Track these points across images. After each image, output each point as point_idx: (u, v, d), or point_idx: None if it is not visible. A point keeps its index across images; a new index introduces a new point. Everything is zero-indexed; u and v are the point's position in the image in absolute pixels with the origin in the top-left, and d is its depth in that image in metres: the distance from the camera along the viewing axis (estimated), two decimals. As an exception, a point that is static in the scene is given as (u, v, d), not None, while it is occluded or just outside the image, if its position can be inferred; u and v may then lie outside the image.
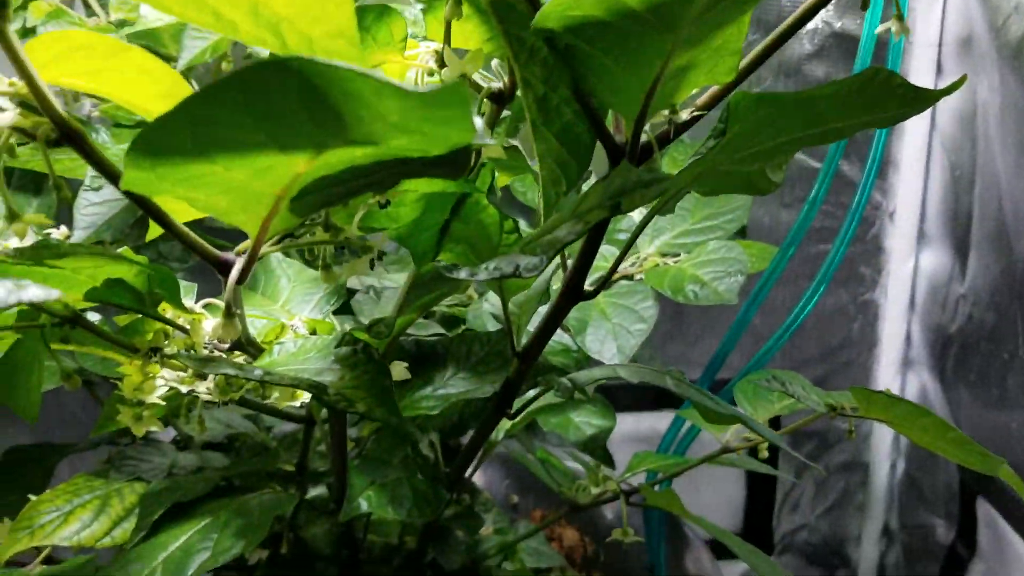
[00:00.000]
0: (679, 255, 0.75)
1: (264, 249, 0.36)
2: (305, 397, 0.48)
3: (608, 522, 0.98)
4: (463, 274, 0.35)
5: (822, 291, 0.88)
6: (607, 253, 0.81)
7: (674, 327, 1.18)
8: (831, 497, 1.24)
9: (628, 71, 0.36)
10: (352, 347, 0.36)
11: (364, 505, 0.47)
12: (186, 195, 0.29)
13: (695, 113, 0.41)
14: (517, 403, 0.69)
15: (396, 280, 0.66)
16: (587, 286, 0.48)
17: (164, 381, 0.46)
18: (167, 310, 0.43)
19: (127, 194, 0.32)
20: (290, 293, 0.62)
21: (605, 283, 0.48)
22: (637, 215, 0.85)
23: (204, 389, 0.47)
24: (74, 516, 0.60)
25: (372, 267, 0.40)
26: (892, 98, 0.37)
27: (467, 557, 0.72)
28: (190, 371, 0.45)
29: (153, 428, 0.48)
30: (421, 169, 0.31)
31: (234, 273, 0.38)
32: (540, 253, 0.34)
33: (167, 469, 0.64)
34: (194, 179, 0.27)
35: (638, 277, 0.78)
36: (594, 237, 0.44)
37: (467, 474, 0.68)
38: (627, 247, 0.49)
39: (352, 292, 0.63)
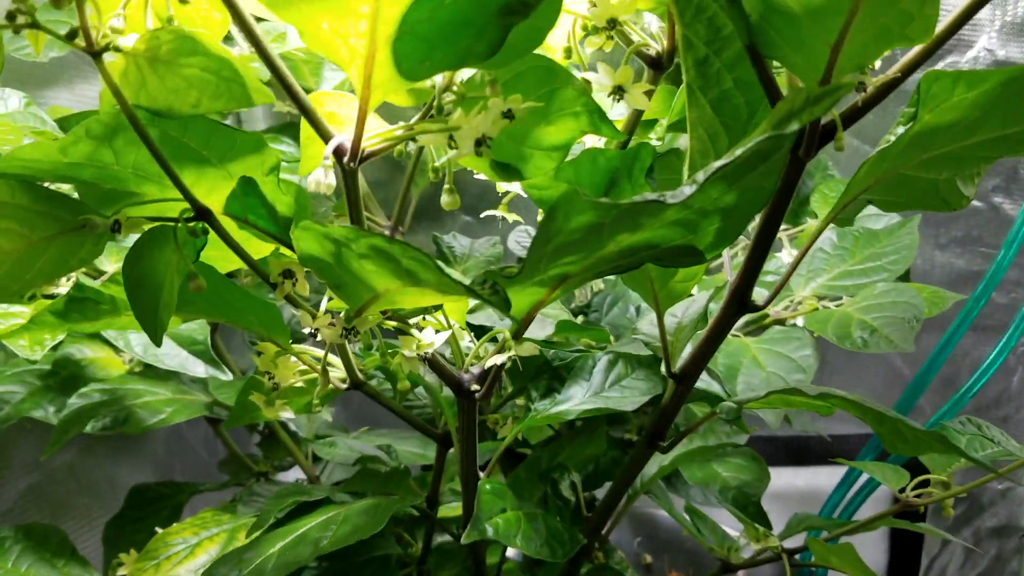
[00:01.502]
0: (840, 298, 0.69)
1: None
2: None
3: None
4: (644, 198, 0.30)
5: (1015, 340, 0.80)
6: (757, 296, 0.76)
7: (817, 376, 1.11)
8: (982, 564, 1.14)
9: (813, 20, 0.32)
10: (482, 284, 0.33)
11: (490, 530, 0.43)
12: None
13: (890, 77, 0.35)
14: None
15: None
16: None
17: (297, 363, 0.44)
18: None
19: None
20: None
21: (771, 299, 0.43)
22: (786, 256, 0.80)
23: (338, 378, 0.45)
24: (201, 548, 0.58)
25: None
26: None
27: (604, 616, 0.67)
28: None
29: (285, 414, 0.46)
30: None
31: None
32: (694, 182, 0.30)
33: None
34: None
35: (791, 323, 0.72)
36: (765, 235, 0.40)
37: (607, 525, 0.63)
38: (792, 268, 0.45)
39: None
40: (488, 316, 0.55)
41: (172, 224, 0.38)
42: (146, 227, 0.38)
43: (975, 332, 1.05)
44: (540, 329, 0.58)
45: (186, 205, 0.37)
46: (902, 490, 0.54)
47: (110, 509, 0.72)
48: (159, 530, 0.60)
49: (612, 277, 0.87)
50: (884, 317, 0.61)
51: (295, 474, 0.78)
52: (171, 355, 0.54)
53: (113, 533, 0.70)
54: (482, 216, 0.54)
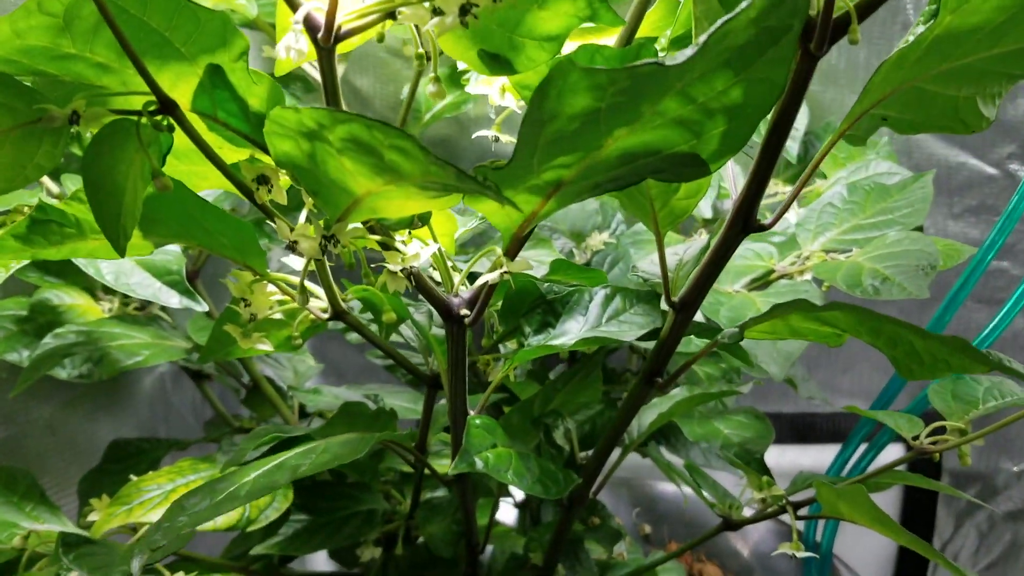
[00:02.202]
0: (850, 250, 0.66)
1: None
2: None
3: (752, 565, 0.89)
4: (644, 61, 0.27)
5: (1012, 317, 0.77)
6: (763, 252, 0.73)
7: (822, 353, 1.08)
8: (996, 550, 1.10)
9: None
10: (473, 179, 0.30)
11: (480, 463, 0.40)
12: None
13: None
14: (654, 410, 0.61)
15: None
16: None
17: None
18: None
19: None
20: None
21: (778, 217, 0.40)
22: (793, 216, 0.77)
23: (319, 307, 0.42)
24: (175, 494, 0.55)
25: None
26: None
27: (600, 577, 0.64)
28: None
29: (263, 346, 0.43)
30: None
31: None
32: (696, 45, 0.27)
33: (278, 453, 0.59)
34: None
35: (799, 279, 0.69)
36: (773, 141, 0.37)
37: (603, 476, 0.60)
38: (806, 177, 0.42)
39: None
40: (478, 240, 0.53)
41: (135, 118, 0.35)
42: (107, 120, 0.35)
43: (990, 305, 1.02)
44: (535, 271, 0.56)
45: (151, 98, 0.35)
46: (915, 438, 0.51)
47: (88, 468, 0.70)
48: (134, 477, 0.57)
49: (613, 239, 0.85)
50: (897, 265, 0.58)
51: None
52: (144, 284, 0.52)
53: (88, 486, 0.67)
54: (473, 137, 0.51)
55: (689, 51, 0.28)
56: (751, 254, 0.72)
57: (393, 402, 0.64)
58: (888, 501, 1.11)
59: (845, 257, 0.64)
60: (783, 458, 1.04)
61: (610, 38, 0.43)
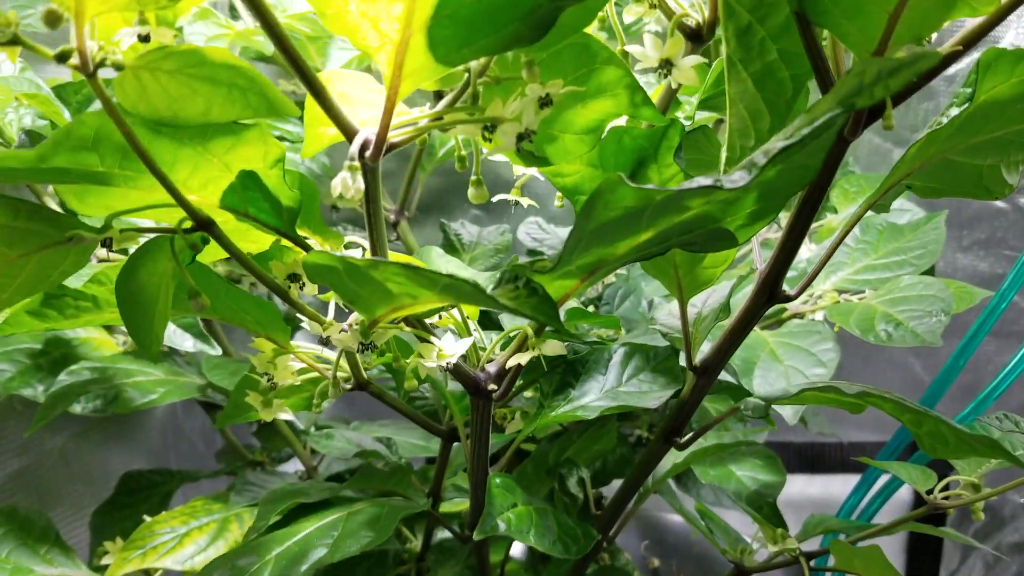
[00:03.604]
0: (862, 292, 0.66)
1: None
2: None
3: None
4: (699, 183, 0.27)
5: (982, 338, 0.77)
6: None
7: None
8: (1003, 582, 1.11)
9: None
10: (513, 283, 0.30)
11: (502, 526, 0.40)
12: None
13: (948, 50, 0.32)
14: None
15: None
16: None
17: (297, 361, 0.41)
18: (307, 235, 0.38)
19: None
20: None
21: (804, 287, 0.40)
22: (806, 251, 0.77)
23: (342, 378, 0.42)
24: (189, 538, 0.55)
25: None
26: None
27: (610, 619, 0.64)
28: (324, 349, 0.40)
29: (283, 415, 0.43)
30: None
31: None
32: (752, 165, 0.27)
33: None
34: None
35: (811, 318, 0.70)
36: (803, 217, 0.37)
37: (616, 524, 0.60)
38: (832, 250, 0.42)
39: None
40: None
41: (167, 235, 0.35)
42: (140, 240, 0.35)
43: (998, 338, 1.02)
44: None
45: (182, 212, 0.34)
46: (929, 492, 0.51)
47: (101, 498, 0.70)
48: (147, 518, 0.57)
49: (623, 271, 0.85)
50: (910, 310, 0.58)
51: (293, 465, 0.75)
52: (161, 330, 0.52)
53: (101, 520, 0.67)
54: (494, 200, 0.51)
55: (740, 177, 0.28)
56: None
57: (404, 440, 0.65)
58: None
59: (858, 299, 0.65)
60: (791, 488, 1.03)
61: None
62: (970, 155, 0.38)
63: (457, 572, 0.60)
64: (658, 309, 0.56)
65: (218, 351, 0.52)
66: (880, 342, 0.58)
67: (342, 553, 0.40)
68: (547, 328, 0.41)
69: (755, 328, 0.70)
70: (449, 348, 0.38)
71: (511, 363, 0.41)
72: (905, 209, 0.77)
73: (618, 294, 0.80)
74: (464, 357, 0.42)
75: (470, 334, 0.42)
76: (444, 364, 0.38)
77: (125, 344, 0.69)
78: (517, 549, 0.77)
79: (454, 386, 0.52)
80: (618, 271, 0.84)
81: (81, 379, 0.61)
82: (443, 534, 0.65)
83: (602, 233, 0.31)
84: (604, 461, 0.64)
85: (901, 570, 1.11)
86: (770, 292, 0.40)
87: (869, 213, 0.80)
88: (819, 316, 0.68)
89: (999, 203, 0.96)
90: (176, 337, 0.53)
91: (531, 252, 0.84)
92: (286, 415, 0.45)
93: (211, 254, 0.39)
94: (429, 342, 0.38)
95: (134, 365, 0.64)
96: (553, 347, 0.39)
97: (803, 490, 1.07)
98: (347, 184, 0.32)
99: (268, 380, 0.43)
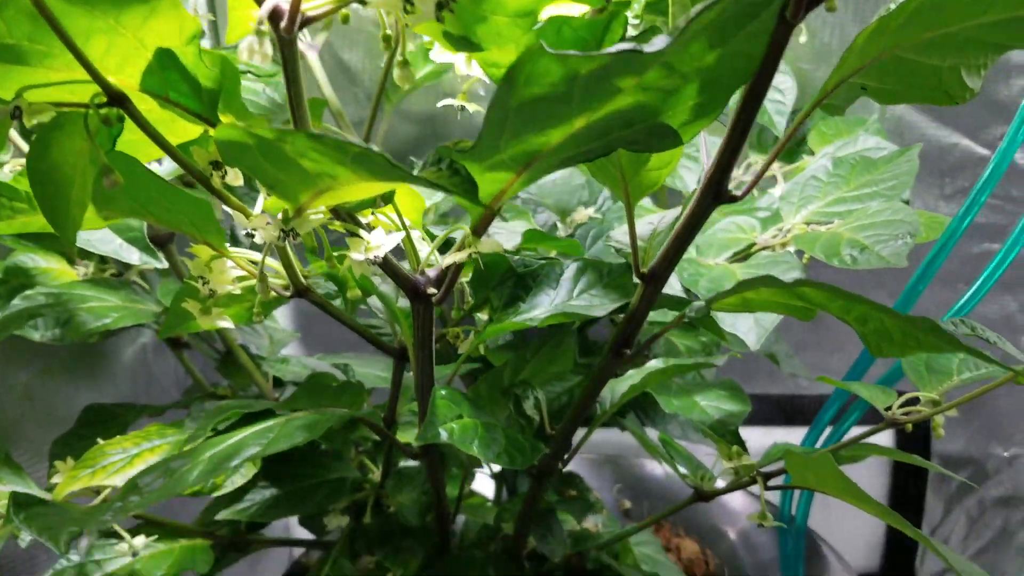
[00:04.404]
0: (832, 223, 0.65)
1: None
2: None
3: (730, 541, 0.88)
4: (619, 47, 0.26)
5: (983, 295, 0.76)
6: (746, 225, 0.72)
7: (811, 335, 1.07)
8: (986, 536, 1.09)
9: None
10: (437, 165, 0.29)
11: (444, 434, 0.39)
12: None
13: None
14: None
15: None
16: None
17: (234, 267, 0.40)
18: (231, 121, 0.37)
19: None
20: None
21: (752, 186, 0.39)
22: (778, 190, 0.76)
23: (280, 284, 0.41)
24: (140, 459, 0.55)
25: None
26: None
27: (572, 549, 0.63)
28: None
29: (222, 323, 0.42)
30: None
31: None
32: (675, 30, 0.26)
33: (246, 419, 0.58)
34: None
35: (781, 251, 0.68)
36: (747, 109, 0.35)
37: (574, 447, 0.60)
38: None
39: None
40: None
41: (82, 111, 0.33)
42: (52, 113, 0.34)
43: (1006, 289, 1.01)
44: (507, 240, 0.55)
45: (97, 88, 0.33)
46: (888, 409, 0.50)
47: (65, 434, 0.69)
48: (101, 441, 0.57)
49: (599, 215, 0.84)
50: (876, 235, 0.57)
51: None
52: (105, 241, 0.51)
53: (60, 450, 0.67)
54: (439, 105, 0.50)
55: (661, 41, 0.27)
56: (734, 227, 0.72)
57: (365, 371, 0.64)
58: (876, 485, 1.10)
59: (826, 229, 0.64)
60: (769, 439, 1.03)
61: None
62: (927, 54, 0.37)
63: (414, 497, 0.60)
64: (615, 231, 0.55)
65: (164, 264, 0.52)
66: (845, 266, 0.56)
67: (273, 449, 0.39)
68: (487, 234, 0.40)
69: (723, 261, 0.70)
70: (377, 240, 0.37)
71: (447, 262, 0.40)
72: (881, 147, 0.76)
73: (590, 234, 0.79)
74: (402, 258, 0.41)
75: (408, 233, 0.41)
76: (372, 257, 0.37)
77: (86, 275, 0.69)
78: (484, 486, 0.76)
79: (406, 304, 0.51)
80: (592, 215, 0.83)
81: (35, 303, 0.60)
82: (404, 464, 0.64)
83: (529, 115, 0.30)
84: (570, 395, 0.63)
85: (883, 526, 1.10)
86: (715, 191, 0.39)
87: (842, 151, 0.79)
88: (790, 249, 0.67)
89: (982, 150, 0.95)
90: (123, 251, 0.52)
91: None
92: (225, 323, 0.44)
93: (144, 151, 0.38)
94: (358, 236, 0.37)
95: (90, 291, 0.63)
96: (490, 244, 0.38)
97: (784, 441, 1.06)
98: (253, 48, 0.31)
99: (205, 285, 0.42)
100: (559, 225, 0.82)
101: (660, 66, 0.29)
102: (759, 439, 1.07)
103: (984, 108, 0.93)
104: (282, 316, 1.06)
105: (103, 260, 0.70)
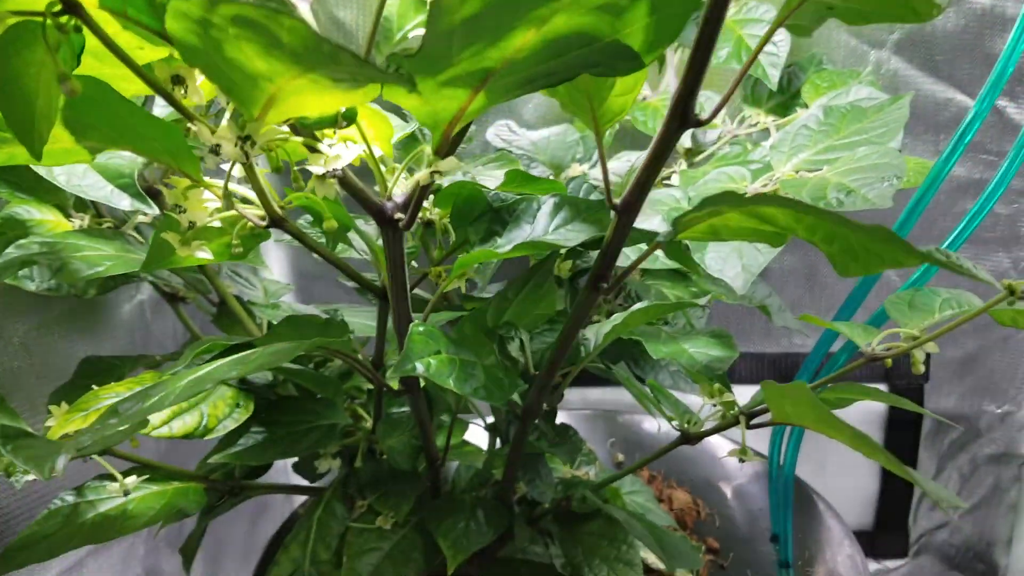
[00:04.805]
0: (821, 170, 0.65)
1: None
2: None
3: (721, 491, 0.89)
4: None
5: (958, 247, 0.76)
6: (736, 175, 0.73)
7: (805, 294, 1.07)
8: (979, 493, 1.10)
9: None
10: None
11: (421, 368, 0.40)
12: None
13: None
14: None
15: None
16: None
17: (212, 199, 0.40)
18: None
19: None
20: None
21: (717, 110, 0.39)
22: (770, 140, 0.76)
23: (256, 215, 0.41)
24: (132, 401, 0.55)
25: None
26: None
27: (562, 493, 0.64)
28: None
29: (202, 253, 0.43)
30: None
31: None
32: None
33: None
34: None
35: (772, 198, 0.69)
36: (707, 32, 0.35)
37: (560, 385, 0.60)
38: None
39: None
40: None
41: (39, 19, 0.33)
42: (10, 21, 0.34)
43: (976, 244, 1.01)
44: (489, 181, 0.55)
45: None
46: (869, 345, 0.50)
47: (62, 387, 0.70)
48: (95, 387, 0.57)
49: (592, 169, 0.84)
50: (863, 178, 0.58)
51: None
52: (96, 187, 0.52)
53: (57, 401, 0.67)
54: (411, 36, 0.50)
55: None
56: (725, 178, 0.72)
57: (355, 320, 0.64)
58: (871, 442, 1.10)
59: (815, 175, 0.64)
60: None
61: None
62: None
63: (404, 441, 0.60)
64: (593, 168, 0.56)
65: (155, 210, 0.52)
66: (830, 207, 0.57)
67: (245, 372, 0.40)
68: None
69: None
70: (336, 151, 0.37)
71: (411, 182, 0.40)
72: (873, 97, 0.76)
73: (583, 188, 0.80)
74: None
75: (372, 157, 0.41)
76: (331, 170, 0.37)
77: (81, 226, 0.69)
78: (479, 438, 0.77)
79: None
80: (586, 171, 0.84)
81: (28, 252, 0.60)
82: (396, 410, 0.65)
83: (478, 23, 0.30)
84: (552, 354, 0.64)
85: (875, 479, 1.11)
86: (682, 116, 0.39)
87: (836, 101, 0.79)
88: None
89: (978, 106, 0.95)
90: (114, 197, 0.52)
91: (500, 151, 0.83)
92: (204, 254, 0.45)
93: (121, 85, 0.38)
94: (317, 151, 0.37)
95: (84, 241, 0.63)
96: (449, 163, 0.39)
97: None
98: None
99: (182, 213, 0.42)
100: (552, 179, 0.82)
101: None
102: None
103: (980, 63, 0.93)
104: (280, 275, 1.07)
105: (99, 214, 0.71)
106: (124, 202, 0.52)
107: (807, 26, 0.41)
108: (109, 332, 0.84)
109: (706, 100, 0.87)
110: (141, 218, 0.67)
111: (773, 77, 0.81)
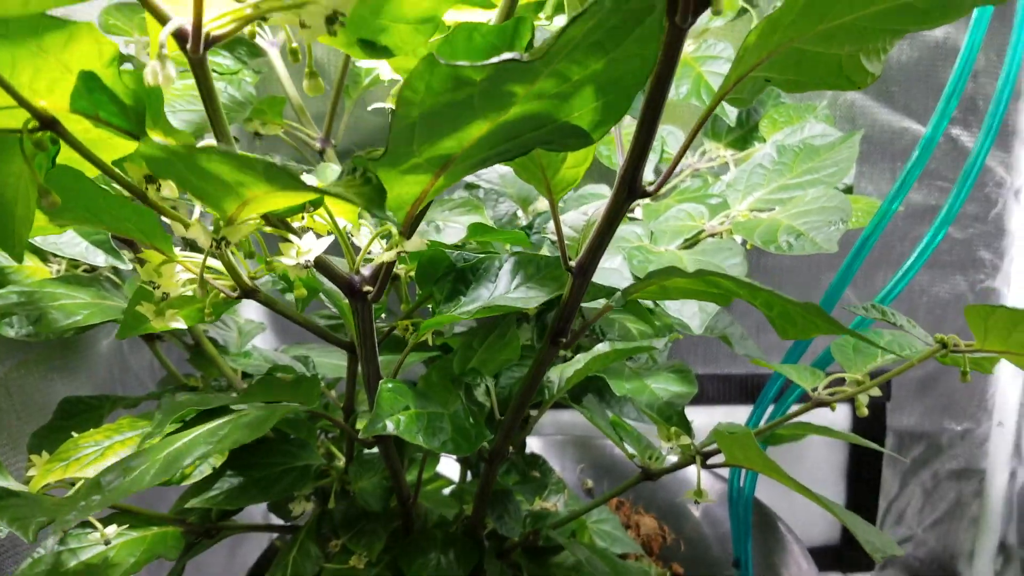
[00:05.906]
0: (775, 209, 0.68)
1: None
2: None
3: (690, 516, 0.91)
4: (501, 57, 0.29)
5: (912, 275, 0.79)
6: (695, 212, 0.75)
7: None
8: (941, 507, 1.13)
9: None
10: (352, 174, 0.32)
11: (391, 426, 0.42)
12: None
13: None
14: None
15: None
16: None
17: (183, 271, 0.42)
18: (160, 137, 0.39)
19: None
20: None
21: (666, 177, 0.41)
22: (729, 176, 0.79)
23: (227, 286, 0.43)
24: (111, 451, 0.57)
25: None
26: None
27: (530, 528, 0.66)
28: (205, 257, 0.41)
29: (176, 324, 0.45)
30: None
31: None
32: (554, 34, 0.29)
33: (213, 411, 0.61)
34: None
35: (727, 237, 0.71)
36: (650, 112, 0.38)
37: (525, 431, 0.62)
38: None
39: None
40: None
41: (17, 135, 0.35)
42: None
43: (932, 269, 1.04)
44: (452, 236, 0.57)
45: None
46: (815, 389, 0.53)
47: (43, 427, 0.72)
48: (75, 434, 0.59)
49: (561, 203, 0.86)
50: (811, 221, 0.60)
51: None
52: (71, 244, 0.53)
53: (38, 443, 0.69)
54: (369, 109, 0.52)
55: (543, 45, 0.29)
56: (684, 215, 0.74)
57: (327, 361, 0.66)
58: (834, 460, 1.13)
59: (767, 216, 0.66)
60: (732, 418, 1.06)
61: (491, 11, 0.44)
62: (824, 44, 0.39)
63: (375, 482, 0.62)
64: (549, 222, 0.58)
65: (129, 267, 0.54)
66: (781, 252, 0.59)
67: (221, 448, 0.42)
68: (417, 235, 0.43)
69: (676, 248, 0.72)
70: (307, 244, 0.39)
71: (378, 261, 0.42)
72: (827, 134, 0.79)
73: (544, 245, 0.82)
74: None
75: (341, 235, 0.43)
76: (303, 262, 0.39)
77: (59, 273, 0.71)
78: (451, 470, 0.79)
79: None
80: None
81: (7, 302, 0.62)
82: (368, 450, 0.67)
83: (436, 121, 0.33)
84: (511, 388, 0.66)
85: (841, 494, 1.14)
86: (629, 187, 0.41)
87: (789, 139, 0.82)
88: (738, 238, 0.70)
89: (932, 133, 0.98)
90: (89, 253, 0.54)
91: (468, 186, 0.85)
92: (178, 323, 0.46)
93: (91, 169, 0.40)
94: (288, 241, 0.39)
95: (61, 289, 0.65)
96: (415, 244, 0.41)
97: (744, 420, 1.09)
98: (155, 72, 0.33)
99: (156, 288, 0.44)
100: (519, 214, 0.84)
101: (550, 74, 0.32)
102: (723, 418, 1.10)
103: (934, 93, 0.96)
104: (254, 308, 1.09)
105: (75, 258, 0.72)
106: (99, 258, 0.54)
107: (746, 98, 0.43)
108: (87, 369, 0.86)
109: (669, 135, 0.90)
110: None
111: (731, 115, 0.84)
